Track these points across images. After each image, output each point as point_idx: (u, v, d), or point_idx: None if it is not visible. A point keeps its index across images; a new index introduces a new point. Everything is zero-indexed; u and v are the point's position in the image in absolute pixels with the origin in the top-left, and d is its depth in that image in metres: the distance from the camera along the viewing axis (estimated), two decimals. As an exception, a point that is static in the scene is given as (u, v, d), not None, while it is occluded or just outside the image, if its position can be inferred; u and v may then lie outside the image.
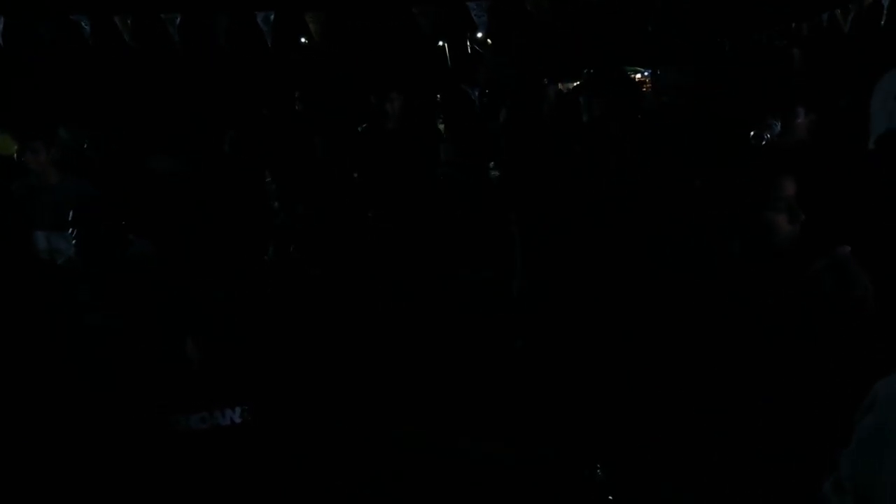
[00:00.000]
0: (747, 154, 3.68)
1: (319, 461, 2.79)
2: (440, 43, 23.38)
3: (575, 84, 6.37)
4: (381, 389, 3.54)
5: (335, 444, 2.94)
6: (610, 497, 2.98)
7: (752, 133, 3.83)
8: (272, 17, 6.76)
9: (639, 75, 8.31)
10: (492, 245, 4.89)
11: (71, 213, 3.28)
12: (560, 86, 6.14)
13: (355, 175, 5.53)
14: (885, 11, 7.46)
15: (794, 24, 9.16)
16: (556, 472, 3.30)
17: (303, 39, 11.89)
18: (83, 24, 6.55)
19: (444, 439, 3.43)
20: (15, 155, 4.74)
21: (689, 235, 2.95)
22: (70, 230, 3.50)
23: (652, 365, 3.53)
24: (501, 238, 4.90)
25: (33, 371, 3.06)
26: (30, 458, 2.72)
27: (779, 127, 3.75)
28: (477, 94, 6.66)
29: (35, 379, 3.03)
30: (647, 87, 7.71)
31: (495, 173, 5.75)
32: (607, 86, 5.33)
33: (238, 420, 2.54)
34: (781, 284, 2.32)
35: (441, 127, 6.91)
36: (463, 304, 4.49)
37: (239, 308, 2.90)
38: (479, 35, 23.85)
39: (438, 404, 3.71)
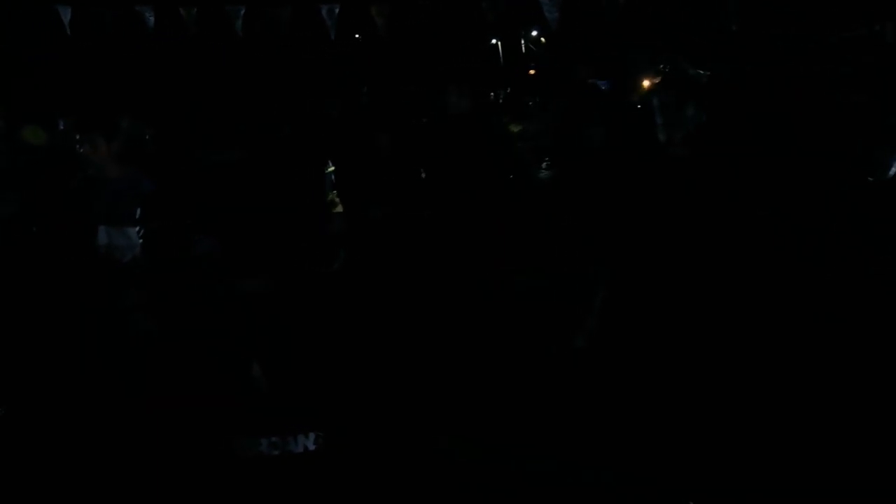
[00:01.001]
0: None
1: (394, 489, 2.54)
2: (493, 41, 23.10)
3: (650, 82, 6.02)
4: (450, 402, 3.28)
5: (405, 467, 2.68)
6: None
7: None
8: (337, 10, 6.58)
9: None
10: (552, 248, 4.62)
11: (138, 210, 3.12)
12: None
13: (422, 173, 5.29)
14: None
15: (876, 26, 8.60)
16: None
17: (356, 35, 11.72)
18: (147, 14, 6.47)
19: (520, 461, 3.15)
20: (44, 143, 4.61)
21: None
22: (136, 227, 3.34)
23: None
24: (567, 241, 4.63)
25: (73, 378, 2.88)
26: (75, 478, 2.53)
27: None
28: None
29: (76, 388, 2.84)
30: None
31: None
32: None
33: (312, 447, 2.30)
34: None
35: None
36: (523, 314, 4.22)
37: (305, 324, 2.67)
38: (534, 33, 23.53)
39: (505, 421, 3.44)
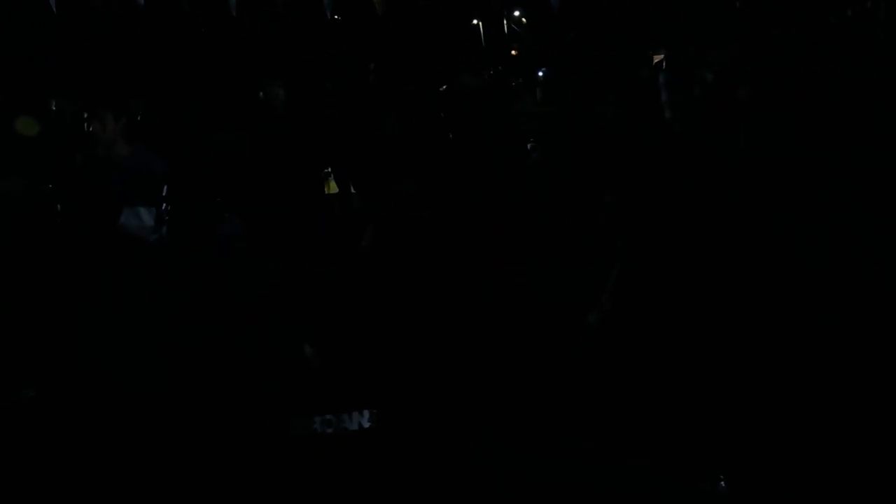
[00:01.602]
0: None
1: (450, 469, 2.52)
2: (474, 21, 22.86)
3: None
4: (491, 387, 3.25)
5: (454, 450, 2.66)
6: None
7: None
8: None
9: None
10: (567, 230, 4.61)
11: (152, 191, 3.07)
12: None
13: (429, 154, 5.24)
14: None
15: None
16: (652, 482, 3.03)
17: (336, 16, 11.55)
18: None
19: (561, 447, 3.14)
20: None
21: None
22: (149, 208, 3.29)
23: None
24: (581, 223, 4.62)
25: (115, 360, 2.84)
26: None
27: None
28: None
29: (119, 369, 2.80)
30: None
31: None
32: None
33: (367, 424, 2.29)
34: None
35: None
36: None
37: (347, 301, 2.64)
38: (517, 13, 23.35)
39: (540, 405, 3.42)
